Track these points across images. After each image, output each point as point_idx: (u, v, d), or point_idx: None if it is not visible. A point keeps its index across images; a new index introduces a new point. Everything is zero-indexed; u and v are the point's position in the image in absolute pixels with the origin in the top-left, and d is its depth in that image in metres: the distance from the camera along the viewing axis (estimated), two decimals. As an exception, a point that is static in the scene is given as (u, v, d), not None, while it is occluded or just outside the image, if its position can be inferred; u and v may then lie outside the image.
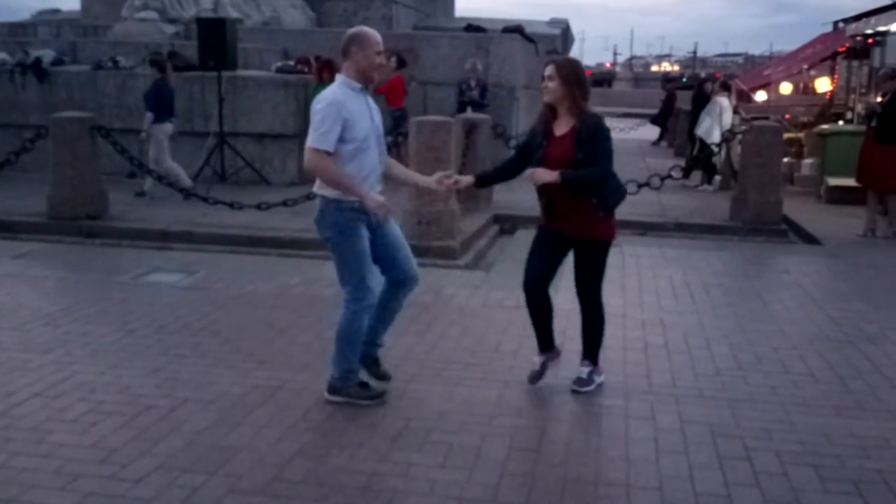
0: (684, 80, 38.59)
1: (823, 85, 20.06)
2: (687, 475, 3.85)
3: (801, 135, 15.13)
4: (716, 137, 12.12)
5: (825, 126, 13.74)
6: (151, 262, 7.84)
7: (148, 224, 9.08)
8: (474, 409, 4.52)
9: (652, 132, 23.13)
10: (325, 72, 10.42)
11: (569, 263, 4.83)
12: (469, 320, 6.14)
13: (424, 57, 13.73)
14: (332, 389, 4.57)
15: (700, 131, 12.93)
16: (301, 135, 11.75)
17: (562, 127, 4.62)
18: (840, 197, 11.66)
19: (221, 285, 7.01)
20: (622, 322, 6.12)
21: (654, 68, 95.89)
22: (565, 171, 4.47)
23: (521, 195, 10.69)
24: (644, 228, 10.00)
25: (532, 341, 5.56)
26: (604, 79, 57.57)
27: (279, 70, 12.62)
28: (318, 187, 4.45)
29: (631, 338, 5.79)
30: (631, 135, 21.71)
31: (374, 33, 4.45)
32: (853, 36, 17.04)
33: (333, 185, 4.34)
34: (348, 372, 4.55)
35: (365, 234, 4.45)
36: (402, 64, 12.45)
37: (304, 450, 4.00)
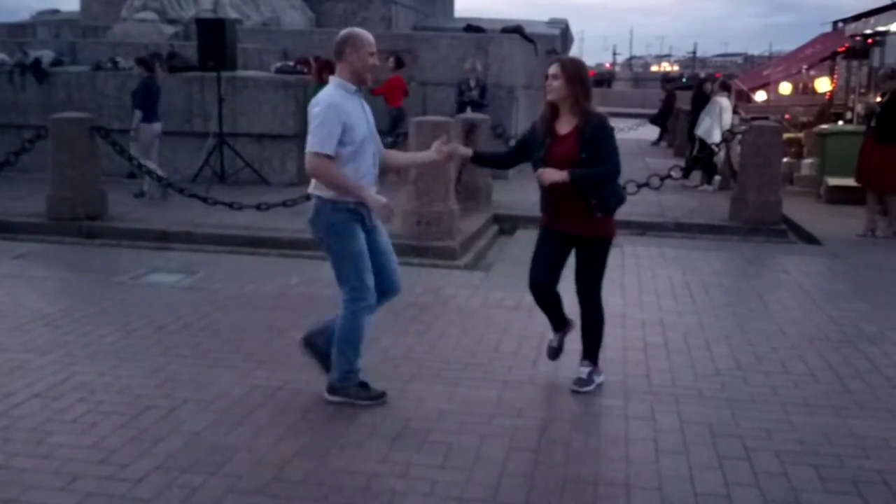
0: (684, 80, 38.63)
1: (823, 85, 20.07)
2: (687, 475, 3.85)
3: (800, 135, 15.14)
4: (716, 137, 12.12)
5: (825, 126, 13.75)
6: (151, 262, 7.83)
7: (147, 224, 9.08)
8: (474, 409, 4.52)
9: (651, 132, 23.13)
10: (325, 72, 10.39)
11: (569, 263, 4.82)
12: (469, 320, 6.14)
13: (424, 57, 13.73)
14: (332, 390, 4.57)
15: (700, 131, 12.93)
16: (300, 135, 11.84)
17: (564, 126, 4.63)
18: (840, 197, 11.66)
19: (221, 286, 7.01)
20: (622, 322, 6.12)
21: (654, 68, 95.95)
22: (573, 170, 4.49)
23: (520, 195, 10.71)
24: (644, 228, 10.00)
25: (532, 341, 5.60)
26: (603, 79, 57.56)
27: (278, 70, 12.62)
28: (313, 187, 4.43)
29: (631, 338, 5.79)
30: (630, 135, 21.70)
31: (367, 34, 4.45)
32: (852, 36, 17.04)
33: (336, 189, 4.32)
34: (348, 373, 4.54)
35: (361, 234, 4.45)
36: (400, 64, 12.46)
37: (303, 450, 4.00)
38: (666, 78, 42.19)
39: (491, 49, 13.68)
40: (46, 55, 12.86)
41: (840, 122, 14.75)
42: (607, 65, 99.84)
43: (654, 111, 24.78)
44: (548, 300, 4.88)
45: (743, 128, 10.81)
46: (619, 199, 4.73)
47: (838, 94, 18.17)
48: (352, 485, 3.67)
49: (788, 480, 3.81)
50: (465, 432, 4.22)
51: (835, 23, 20.17)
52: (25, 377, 4.82)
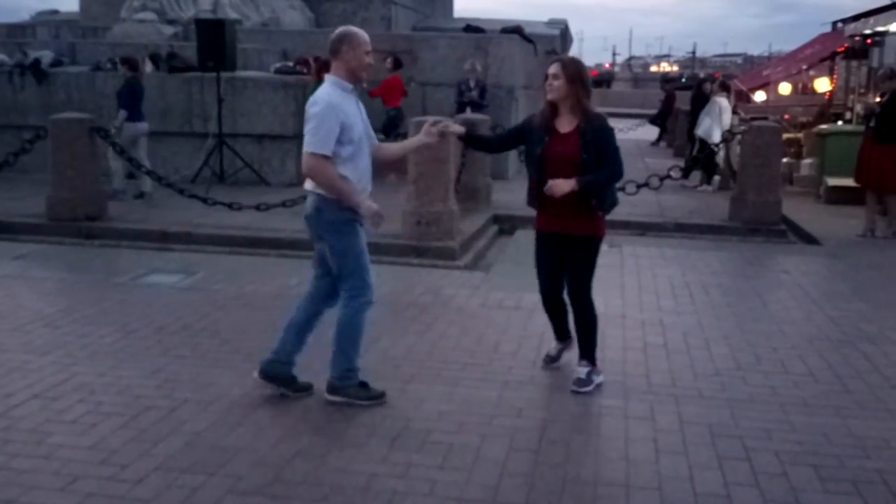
0: (683, 80, 38.62)
1: (822, 85, 20.07)
2: (686, 475, 3.85)
3: (800, 135, 15.14)
4: (716, 137, 12.13)
5: (824, 126, 13.75)
6: (151, 262, 7.83)
7: (147, 225, 9.08)
8: (474, 409, 4.52)
9: (651, 132, 23.14)
10: (324, 72, 10.31)
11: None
12: (468, 320, 6.14)
13: (423, 58, 13.74)
14: (332, 389, 4.56)
15: (700, 132, 12.94)
16: (300, 136, 11.80)
17: (564, 125, 4.65)
18: (839, 197, 11.66)
19: (221, 286, 7.01)
20: (622, 322, 6.13)
21: (654, 68, 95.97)
22: (580, 178, 4.54)
23: (520, 195, 10.60)
24: (643, 228, 10.01)
25: (532, 342, 5.60)
26: (602, 79, 57.58)
27: (278, 71, 12.62)
28: (314, 187, 4.41)
29: (630, 338, 5.79)
30: (630, 135, 21.71)
31: (363, 33, 4.44)
32: (852, 36, 17.05)
33: (330, 191, 4.31)
34: (348, 370, 4.54)
35: (361, 231, 4.46)
36: (398, 65, 12.46)
37: (303, 450, 4.00)
38: (665, 78, 42.13)
39: (490, 49, 13.68)
40: (46, 56, 12.86)
41: (839, 123, 14.76)
42: (607, 65, 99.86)
43: (653, 111, 24.78)
44: (556, 308, 5.04)
45: (742, 128, 10.82)
46: (615, 201, 4.86)
47: (838, 94, 18.18)
48: (352, 485, 3.67)
49: (788, 480, 3.82)
50: (465, 432, 4.22)
51: (834, 23, 20.17)
52: (25, 378, 4.82)
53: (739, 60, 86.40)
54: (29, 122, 11.84)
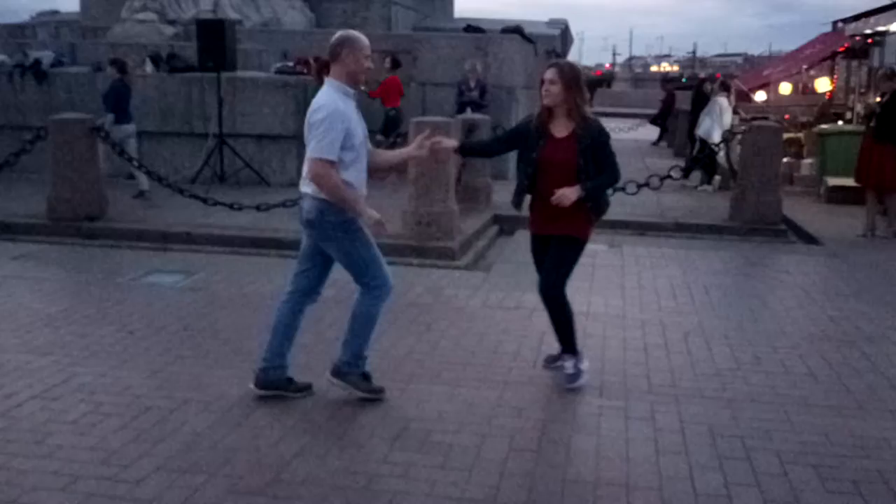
0: (684, 80, 38.58)
1: (823, 85, 20.08)
2: (687, 475, 3.85)
3: (800, 135, 15.14)
4: (716, 137, 12.12)
5: (824, 126, 13.76)
6: (151, 263, 7.83)
7: (147, 225, 9.08)
8: (474, 409, 4.52)
9: (651, 132, 23.13)
10: (325, 72, 10.31)
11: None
12: (469, 321, 6.14)
13: (423, 58, 13.73)
14: (336, 372, 4.58)
15: (701, 132, 12.93)
16: (300, 136, 11.81)
17: (560, 129, 4.66)
18: (839, 197, 11.67)
19: (221, 286, 7.01)
20: (622, 322, 6.13)
21: (654, 68, 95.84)
22: (584, 184, 4.58)
23: (520, 195, 10.71)
24: (643, 228, 10.01)
25: (532, 342, 5.60)
26: (603, 79, 57.60)
27: (278, 71, 12.62)
28: (316, 191, 4.38)
29: (631, 338, 5.79)
30: (630, 135, 21.71)
31: (363, 37, 4.47)
32: (852, 36, 17.05)
33: (334, 198, 4.32)
34: (357, 358, 4.56)
35: (365, 226, 4.47)
36: (396, 65, 12.46)
37: (304, 451, 4.00)
38: (666, 78, 42.09)
39: (491, 49, 13.68)
40: (46, 56, 12.86)
41: (840, 122, 14.76)
42: (607, 65, 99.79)
43: (654, 111, 24.77)
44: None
45: (743, 128, 10.81)
46: (608, 202, 4.92)
47: (838, 94, 18.19)
48: (352, 485, 3.67)
49: (788, 480, 3.82)
50: (465, 433, 4.23)
51: (834, 23, 20.16)
52: (25, 378, 4.82)
53: (740, 60, 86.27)
54: (29, 123, 11.83)
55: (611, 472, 3.88)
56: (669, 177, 9.65)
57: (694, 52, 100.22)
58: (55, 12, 19.22)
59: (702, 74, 24.39)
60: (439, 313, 6.32)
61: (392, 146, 10.14)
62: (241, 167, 11.38)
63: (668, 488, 3.73)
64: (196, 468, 3.79)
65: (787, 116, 17.27)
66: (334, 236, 4.43)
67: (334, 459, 3.91)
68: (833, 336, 5.97)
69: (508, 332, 5.82)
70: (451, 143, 5.00)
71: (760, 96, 21.23)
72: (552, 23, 18.94)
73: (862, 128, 10.93)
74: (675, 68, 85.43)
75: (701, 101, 13.71)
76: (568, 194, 4.54)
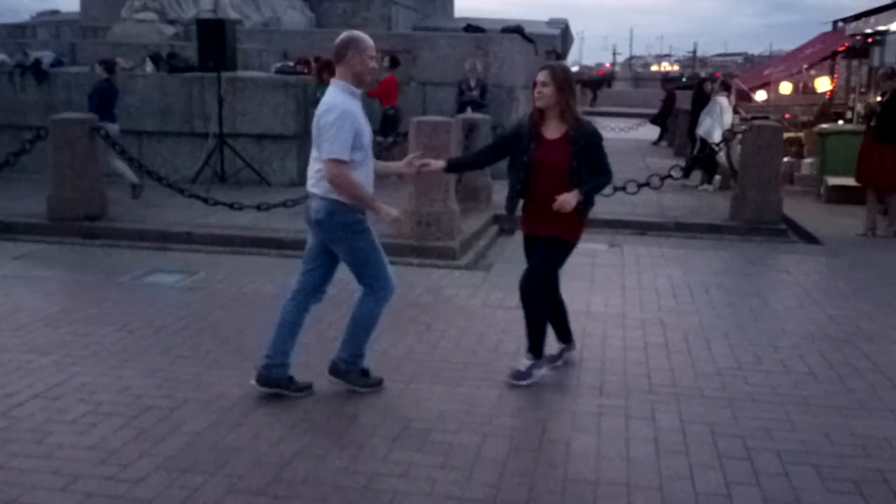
0: (684, 79, 38.56)
1: (823, 84, 20.06)
2: (687, 475, 3.85)
3: (801, 134, 15.13)
4: (717, 137, 12.11)
5: (825, 125, 13.75)
6: (151, 262, 7.83)
7: (147, 225, 9.08)
8: (474, 409, 4.52)
9: (652, 132, 23.12)
10: (325, 72, 10.37)
11: (571, 270, 4.83)
12: (469, 320, 6.14)
13: (424, 57, 13.73)
14: (336, 371, 4.64)
15: (701, 131, 12.92)
16: (300, 136, 11.91)
17: (552, 131, 4.68)
18: (840, 196, 11.66)
19: (221, 286, 7.01)
20: (622, 322, 6.12)
21: (654, 68, 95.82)
22: (581, 188, 4.60)
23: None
24: (644, 228, 10.01)
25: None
26: (604, 78, 57.58)
27: (279, 71, 12.62)
28: (325, 191, 4.41)
29: (631, 338, 5.79)
30: (630, 135, 21.70)
31: (368, 38, 4.50)
32: (853, 35, 17.03)
33: (352, 198, 4.38)
34: (356, 356, 4.64)
35: (372, 227, 4.52)
36: (395, 64, 12.46)
37: (304, 450, 4.00)
38: (666, 78, 42.12)
39: (491, 49, 13.68)
40: (46, 56, 12.85)
41: (840, 122, 14.75)
42: (607, 65, 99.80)
43: (654, 111, 24.77)
44: (556, 309, 5.12)
45: (743, 127, 10.81)
46: (593, 203, 4.94)
47: (838, 93, 18.17)
48: (352, 485, 3.67)
49: (789, 480, 3.81)
50: (465, 432, 4.23)
51: (835, 22, 20.15)
52: (26, 378, 4.82)
53: (740, 60, 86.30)
54: (29, 122, 11.83)
55: (611, 471, 3.88)
56: (670, 176, 9.64)
57: (694, 52, 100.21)
58: (55, 12, 19.23)
59: (702, 74, 24.41)
60: (439, 313, 6.32)
61: (392, 145, 10.15)
62: (242, 167, 11.38)
63: (668, 488, 3.72)
64: (196, 468, 3.79)
65: (787, 116, 17.27)
66: (342, 236, 4.47)
67: (334, 459, 3.91)
68: (833, 335, 5.97)
69: (508, 332, 5.81)
70: (439, 164, 5.01)
71: (761, 96, 21.22)
72: (552, 22, 18.94)
73: (862, 127, 10.92)
74: (676, 68, 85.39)
75: (701, 100, 13.70)
76: (569, 199, 4.55)
